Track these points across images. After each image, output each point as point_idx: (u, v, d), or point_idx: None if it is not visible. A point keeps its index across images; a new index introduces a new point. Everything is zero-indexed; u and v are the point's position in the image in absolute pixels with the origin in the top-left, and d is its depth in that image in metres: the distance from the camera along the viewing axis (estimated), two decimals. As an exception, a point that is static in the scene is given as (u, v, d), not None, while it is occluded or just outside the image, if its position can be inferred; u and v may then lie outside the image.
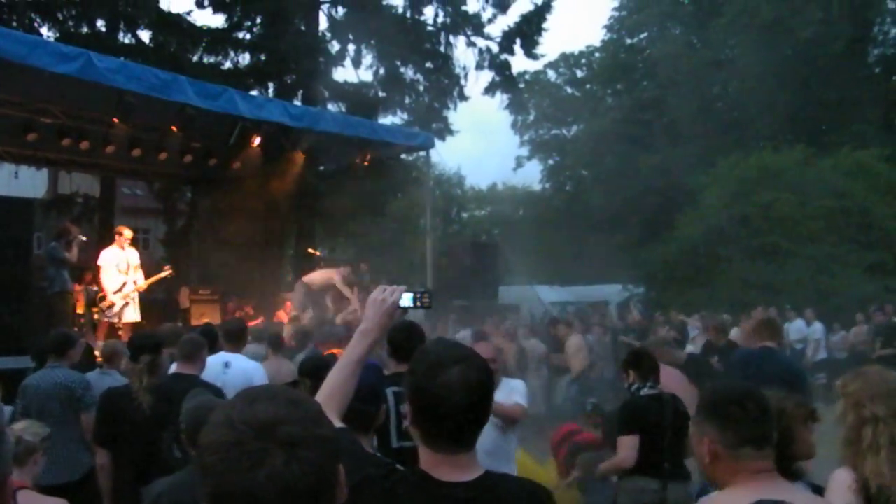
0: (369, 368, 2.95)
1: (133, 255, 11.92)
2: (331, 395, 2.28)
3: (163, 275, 12.84)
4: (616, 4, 43.65)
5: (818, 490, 2.78)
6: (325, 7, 22.18)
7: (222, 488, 1.21)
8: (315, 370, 5.13)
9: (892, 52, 36.32)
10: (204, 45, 19.80)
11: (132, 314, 11.78)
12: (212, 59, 20.04)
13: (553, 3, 23.78)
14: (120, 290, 11.57)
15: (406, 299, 2.54)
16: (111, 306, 11.55)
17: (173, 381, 5.52)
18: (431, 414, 2.04)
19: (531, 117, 49.07)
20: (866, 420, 3.05)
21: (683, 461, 5.51)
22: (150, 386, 5.34)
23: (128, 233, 11.99)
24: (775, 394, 2.87)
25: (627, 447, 5.40)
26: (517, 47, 23.98)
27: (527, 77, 43.94)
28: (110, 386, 6.11)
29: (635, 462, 5.41)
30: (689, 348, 11.56)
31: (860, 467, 2.97)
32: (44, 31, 17.48)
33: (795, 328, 16.38)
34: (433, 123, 22.51)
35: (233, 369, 6.29)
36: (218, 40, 20.08)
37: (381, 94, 22.89)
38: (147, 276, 12.27)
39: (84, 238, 11.82)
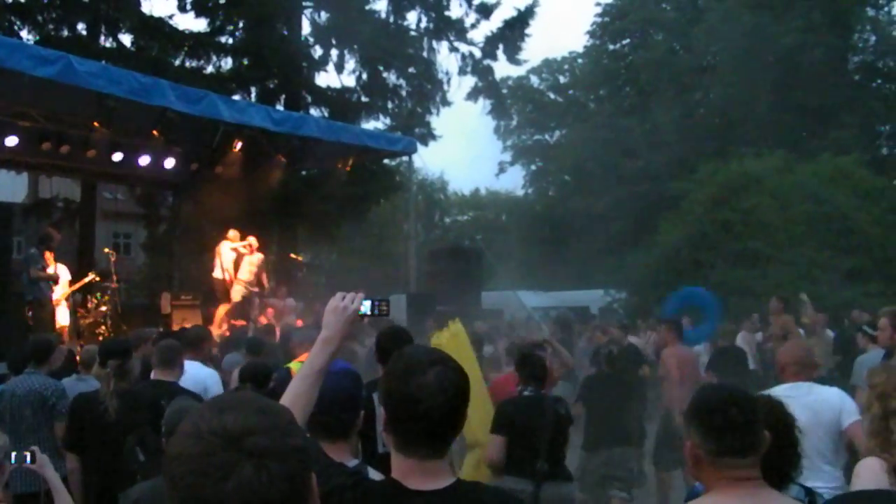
0: (347, 374, 2.94)
1: (63, 270, 12.37)
2: (293, 404, 2.24)
3: (86, 280, 13.31)
4: (599, 11, 43.83)
5: (811, 493, 2.77)
6: (307, 12, 22.18)
7: (190, 500, 1.19)
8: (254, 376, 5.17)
9: (872, 60, 36.64)
10: (186, 49, 19.71)
11: (63, 318, 12.25)
12: (194, 64, 19.96)
13: (536, 9, 23.86)
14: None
15: (365, 306, 2.53)
16: None
17: (145, 387, 5.50)
18: (406, 416, 2.03)
19: (514, 123, 49.22)
20: (892, 411, 3.13)
21: (562, 462, 5.69)
22: (119, 390, 5.31)
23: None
24: (767, 398, 2.87)
25: (492, 447, 5.60)
26: (500, 53, 24.06)
27: (510, 82, 44.08)
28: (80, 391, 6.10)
29: (504, 462, 5.56)
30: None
31: (891, 457, 3.04)
32: (23, 34, 17.35)
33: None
34: (416, 128, 22.50)
35: (186, 376, 6.28)
36: (200, 44, 20.00)
37: (363, 98, 22.89)
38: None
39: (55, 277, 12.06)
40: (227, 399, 1.31)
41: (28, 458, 4.01)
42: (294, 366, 5.90)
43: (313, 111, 21.21)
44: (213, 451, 1.19)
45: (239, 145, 14.07)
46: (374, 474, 2.64)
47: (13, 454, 3.83)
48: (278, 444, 1.22)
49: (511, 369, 7.25)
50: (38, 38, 17.25)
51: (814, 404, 4.79)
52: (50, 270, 11.88)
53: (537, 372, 5.91)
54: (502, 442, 5.56)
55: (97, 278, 13.74)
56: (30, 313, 11.31)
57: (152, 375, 5.81)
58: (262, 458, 1.20)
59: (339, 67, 22.82)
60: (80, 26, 18.40)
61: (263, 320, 14.27)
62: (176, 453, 1.22)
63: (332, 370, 2.84)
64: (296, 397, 2.34)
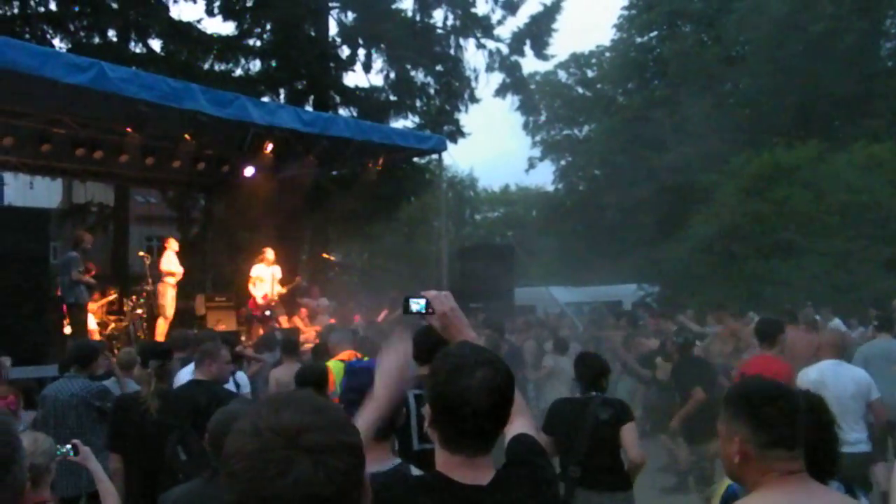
0: None
1: None
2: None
3: (110, 298, 14.04)
4: (625, 3, 43.55)
5: (851, 488, 2.74)
6: (334, 12, 22.24)
7: (249, 496, 1.22)
8: (318, 379, 5.19)
9: (905, 46, 36.13)
10: (215, 52, 19.87)
11: (91, 325, 12.75)
12: (223, 67, 20.12)
13: (562, 4, 23.81)
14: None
15: (420, 304, 2.53)
16: None
17: (185, 387, 5.55)
18: (452, 417, 2.04)
19: (542, 118, 49.00)
20: None
21: (608, 470, 5.40)
22: (159, 391, 5.36)
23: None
24: (807, 393, 2.84)
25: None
26: (527, 48, 24.04)
27: (537, 78, 43.96)
28: (122, 393, 6.18)
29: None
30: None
31: None
32: (56, 42, 17.58)
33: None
34: (445, 126, 22.50)
35: None
36: (228, 48, 20.15)
37: (391, 97, 22.93)
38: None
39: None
40: (283, 397, 1.34)
41: (71, 451, 4.06)
42: (332, 364, 5.95)
43: (342, 111, 21.30)
44: (272, 448, 1.22)
45: (269, 147, 14.14)
46: (416, 472, 2.64)
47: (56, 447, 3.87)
48: (334, 440, 1.25)
49: (768, 351, 7.03)
50: (70, 45, 17.45)
51: (856, 377, 6.56)
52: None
53: (590, 373, 5.68)
54: (545, 441, 5.34)
55: (115, 296, 14.27)
56: (67, 317, 11.47)
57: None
58: (318, 454, 1.23)
59: (367, 67, 22.90)
60: (111, 33, 18.60)
61: (297, 321, 14.37)
62: (234, 450, 1.25)
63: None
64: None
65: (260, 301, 14.17)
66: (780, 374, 6.36)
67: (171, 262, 13.89)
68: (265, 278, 14.25)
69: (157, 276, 13.97)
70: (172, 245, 14.13)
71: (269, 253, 14.44)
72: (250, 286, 14.27)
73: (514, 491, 2.09)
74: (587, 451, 5.28)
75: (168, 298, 13.64)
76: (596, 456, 5.30)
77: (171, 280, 13.77)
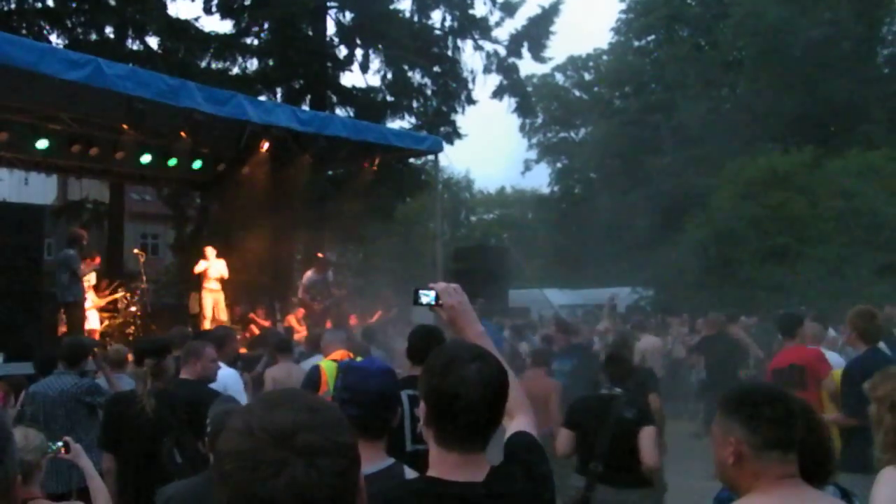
0: (387, 373, 2.93)
1: (91, 276, 12.82)
2: None
3: (117, 295, 13.84)
4: (623, 7, 43.62)
5: (846, 494, 2.73)
6: (332, 12, 22.21)
7: (240, 496, 1.19)
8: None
9: (901, 52, 36.22)
10: (212, 50, 19.84)
11: (94, 323, 12.72)
12: (220, 65, 20.10)
13: (560, 7, 23.81)
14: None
15: (430, 296, 2.54)
16: None
17: (176, 386, 5.51)
18: (447, 410, 2.04)
19: (539, 120, 49.00)
20: None
21: (631, 468, 5.34)
22: (154, 390, 5.30)
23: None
24: (799, 399, 2.83)
25: (559, 439, 5.66)
26: (525, 51, 24.02)
27: (534, 80, 43.98)
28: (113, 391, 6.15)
29: (569, 455, 5.59)
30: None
31: None
32: (53, 38, 17.53)
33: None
34: (441, 127, 22.48)
35: None
36: (226, 46, 20.12)
37: (388, 98, 22.91)
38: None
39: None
40: (277, 396, 1.31)
41: (62, 448, 4.04)
42: (325, 363, 5.92)
43: (339, 111, 21.28)
44: (264, 448, 1.20)
45: (266, 145, 14.11)
46: (409, 472, 2.64)
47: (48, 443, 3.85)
48: (328, 441, 1.23)
49: (791, 343, 7.07)
50: (66, 42, 17.42)
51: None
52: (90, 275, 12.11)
53: (617, 372, 5.79)
54: (567, 436, 5.56)
55: (126, 296, 14.05)
56: (64, 315, 11.40)
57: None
58: (312, 455, 1.20)
59: (364, 67, 22.87)
60: (108, 30, 18.55)
61: (292, 320, 14.34)
62: (227, 450, 1.23)
63: (372, 369, 2.84)
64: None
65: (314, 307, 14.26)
66: (816, 358, 6.59)
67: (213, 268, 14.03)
68: (318, 285, 14.26)
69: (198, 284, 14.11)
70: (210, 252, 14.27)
71: (322, 258, 14.78)
72: (301, 293, 14.31)
73: (510, 487, 2.09)
74: (609, 448, 5.31)
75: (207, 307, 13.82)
76: (617, 453, 5.30)
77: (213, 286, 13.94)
